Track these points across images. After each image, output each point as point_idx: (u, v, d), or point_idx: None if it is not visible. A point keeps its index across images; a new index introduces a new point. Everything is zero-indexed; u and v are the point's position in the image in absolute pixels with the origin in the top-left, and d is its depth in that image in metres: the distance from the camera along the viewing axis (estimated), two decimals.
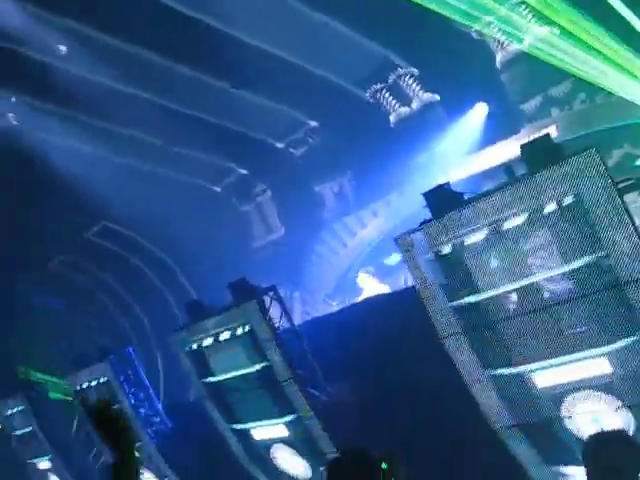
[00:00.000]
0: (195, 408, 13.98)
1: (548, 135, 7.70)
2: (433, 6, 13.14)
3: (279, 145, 20.79)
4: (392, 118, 18.67)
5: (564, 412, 7.65)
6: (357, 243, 20.32)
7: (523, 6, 14.26)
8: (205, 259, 20.75)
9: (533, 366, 7.60)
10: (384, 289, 16.30)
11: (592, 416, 7.48)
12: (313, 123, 19.90)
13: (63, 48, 15.26)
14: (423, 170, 17.75)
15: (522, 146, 7.46)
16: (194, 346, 11.61)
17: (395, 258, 19.03)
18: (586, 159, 6.61)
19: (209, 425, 12.56)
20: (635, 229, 6.58)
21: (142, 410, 14.10)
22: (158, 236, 22.09)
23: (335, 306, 19.83)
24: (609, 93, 13.94)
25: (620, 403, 7.21)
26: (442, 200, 7.87)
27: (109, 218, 22.00)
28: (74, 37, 14.99)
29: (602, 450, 4.46)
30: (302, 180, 21.20)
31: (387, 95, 18.41)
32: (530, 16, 14.31)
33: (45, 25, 14.65)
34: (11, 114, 17.22)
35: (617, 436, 4.89)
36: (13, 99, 16.78)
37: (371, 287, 16.68)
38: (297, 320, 18.18)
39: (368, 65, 17.57)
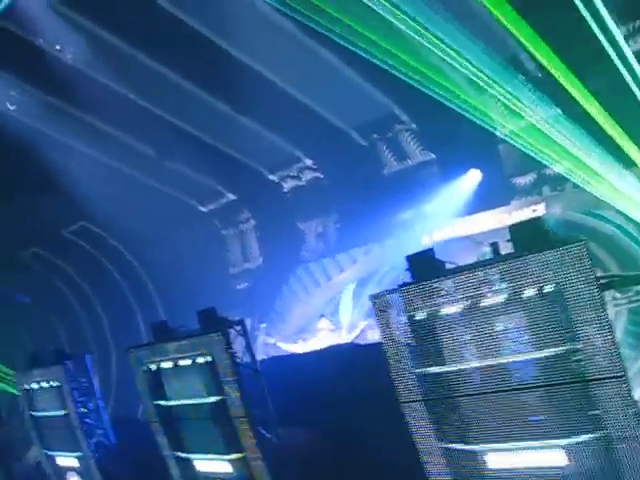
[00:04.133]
0: (141, 427, 13.75)
1: (540, 218, 7.74)
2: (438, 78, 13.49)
3: (271, 177, 20.79)
4: (386, 170, 18.73)
5: None
6: (331, 286, 20.23)
7: (529, 86, 14.46)
8: (179, 276, 20.59)
9: (488, 446, 7.52)
10: (335, 339, 16.21)
11: None
12: (308, 161, 19.93)
13: (75, 47, 15.30)
14: (407, 226, 17.81)
15: (511, 226, 7.48)
16: (152, 366, 11.43)
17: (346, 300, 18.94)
18: (573, 250, 6.61)
19: (152, 447, 12.32)
20: (610, 328, 6.57)
21: (88, 420, 13.82)
22: (135, 246, 21.96)
23: (299, 344, 19.69)
24: None
25: None
26: (424, 265, 7.85)
27: (89, 219, 21.84)
28: (91, 39, 15.06)
29: None
30: (288, 215, 21.18)
31: (385, 147, 18.48)
32: (533, 97, 14.51)
33: (65, 22, 14.75)
34: (11, 99, 17.13)
35: None
36: (13, 93, 16.75)
37: (325, 335, 16.58)
38: (259, 351, 18.07)
39: (372, 114, 17.66)
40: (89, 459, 13.80)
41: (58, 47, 15.56)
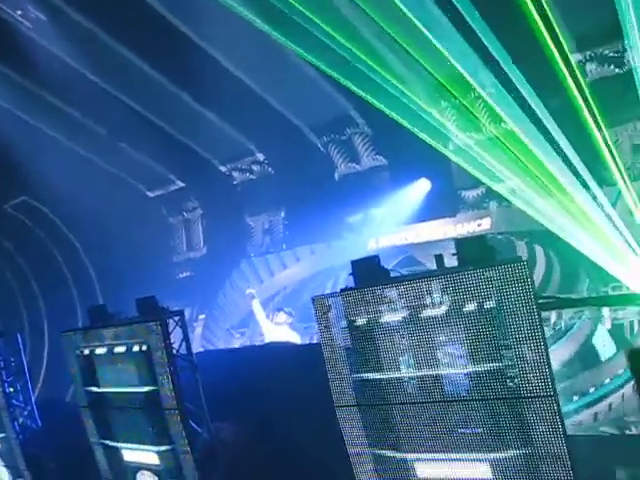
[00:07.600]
0: (69, 410, 13.53)
1: (484, 236, 7.88)
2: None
3: (222, 168, 20.66)
4: (338, 171, 18.78)
5: None
6: (273, 284, 20.22)
7: (481, 102, 14.62)
8: (120, 262, 20.30)
9: (418, 455, 7.61)
10: (293, 337, 16.06)
11: None
12: (260, 156, 19.86)
13: (39, 15, 14.98)
14: (355, 229, 17.92)
15: (457, 240, 7.59)
16: (86, 351, 11.21)
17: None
18: (514, 269, 6.72)
19: (79, 432, 12.12)
20: (545, 348, 6.71)
21: (14, 401, 13.52)
22: (78, 225, 21.58)
23: (237, 338, 19.62)
24: None
25: None
26: (369, 272, 7.90)
27: (32, 194, 21.40)
28: (52, 11, 14.75)
29: None
30: (236, 208, 21.07)
31: (338, 148, 18.53)
32: (486, 114, 14.69)
33: None
34: None
35: None
36: None
37: (281, 329, 16.39)
38: (195, 342, 17.93)
39: (328, 114, 17.70)
40: (13, 441, 13.50)
41: (19, 13, 15.20)
